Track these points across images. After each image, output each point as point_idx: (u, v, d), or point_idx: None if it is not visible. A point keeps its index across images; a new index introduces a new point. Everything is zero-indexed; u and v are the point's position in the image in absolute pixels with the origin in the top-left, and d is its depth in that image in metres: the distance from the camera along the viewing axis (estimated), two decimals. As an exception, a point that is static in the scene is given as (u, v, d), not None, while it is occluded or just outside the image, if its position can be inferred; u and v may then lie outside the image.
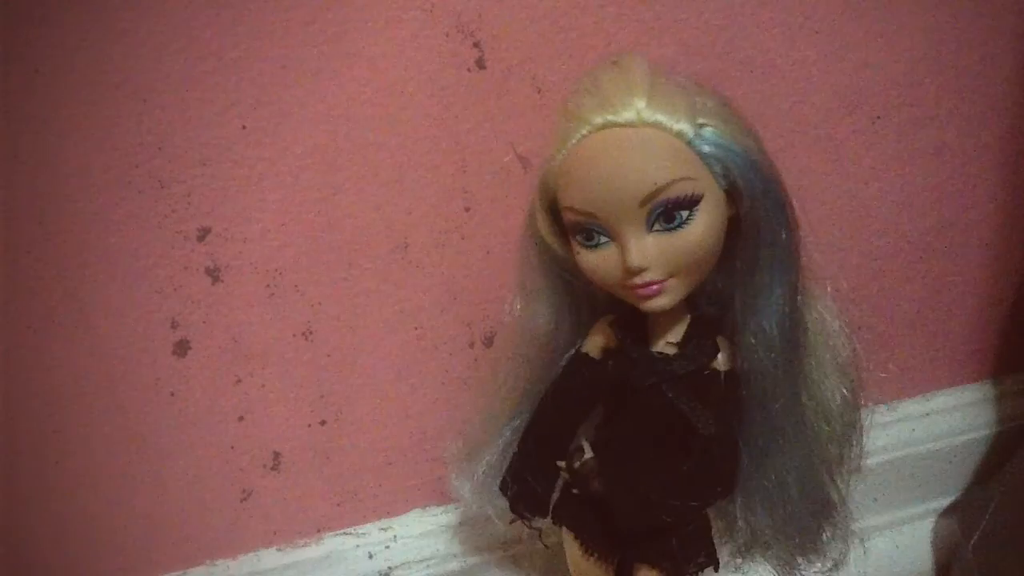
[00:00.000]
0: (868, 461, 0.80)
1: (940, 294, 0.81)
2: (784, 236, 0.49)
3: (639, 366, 0.53)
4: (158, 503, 0.71)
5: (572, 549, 0.60)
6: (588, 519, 0.59)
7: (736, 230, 0.50)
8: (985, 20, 0.70)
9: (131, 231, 0.62)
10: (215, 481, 0.71)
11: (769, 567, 0.60)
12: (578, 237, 0.49)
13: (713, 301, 0.54)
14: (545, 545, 0.66)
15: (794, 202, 0.50)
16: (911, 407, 0.85)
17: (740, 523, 0.59)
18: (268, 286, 0.66)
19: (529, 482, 0.58)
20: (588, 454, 0.55)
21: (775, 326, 0.50)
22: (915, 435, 0.84)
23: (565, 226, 0.50)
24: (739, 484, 0.55)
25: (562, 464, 0.56)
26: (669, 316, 0.52)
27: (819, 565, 0.59)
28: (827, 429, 0.56)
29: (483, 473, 0.62)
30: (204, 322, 0.66)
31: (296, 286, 0.66)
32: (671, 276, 0.48)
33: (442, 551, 0.76)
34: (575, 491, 0.58)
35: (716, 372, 0.53)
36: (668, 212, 0.46)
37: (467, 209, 0.67)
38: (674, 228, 0.47)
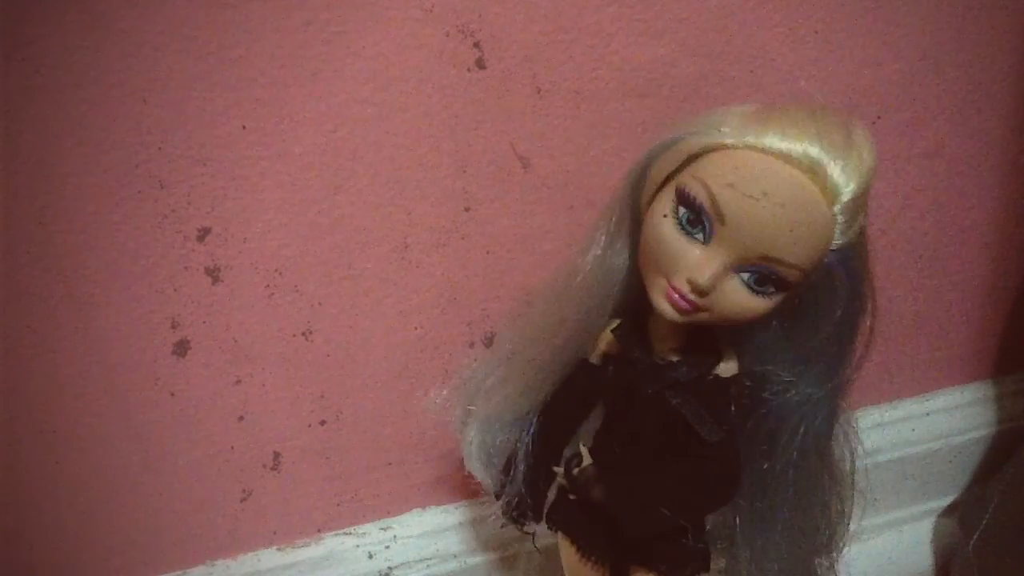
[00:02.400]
0: (868, 461, 0.81)
1: (940, 294, 0.81)
2: (857, 345, 0.49)
3: (642, 373, 0.52)
4: (158, 503, 0.71)
5: (568, 553, 0.60)
6: (584, 524, 0.58)
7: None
8: (985, 20, 0.70)
9: (131, 231, 0.62)
10: (215, 481, 0.71)
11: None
12: (681, 209, 0.45)
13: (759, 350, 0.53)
14: (538, 549, 0.66)
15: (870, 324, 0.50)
16: (911, 407, 0.85)
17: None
18: (268, 286, 0.66)
19: (523, 487, 0.58)
20: (587, 460, 0.55)
21: (823, 421, 0.51)
22: (915, 435, 0.84)
23: (681, 185, 0.45)
24: (740, 491, 0.55)
25: (559, 470, 0.56)
26: (672, 323, 0.50)
27: None
28: (825, 515, 0.56)
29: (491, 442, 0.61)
30: (204, 322, 0.66)
31: (296, 286, 0.66)
32: (707, 311, 0.46)
33: (442, 551, 0.76)
34: (572, 497, 0.57)
35: (720, 379, 0.52)
36: (763, 279, 0.44)
37: (467, 209, 0.67)
38: (751, 288, 0.45)
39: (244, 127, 0.61)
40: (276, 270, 0.66)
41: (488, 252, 0.69)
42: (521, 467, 0.58)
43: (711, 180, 0.44)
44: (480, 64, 0.63)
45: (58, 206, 0.60)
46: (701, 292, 0.45)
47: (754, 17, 0.66)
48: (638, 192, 0.49)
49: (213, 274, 0.65)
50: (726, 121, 0.44)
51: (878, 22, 0.68)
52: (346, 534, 0.76)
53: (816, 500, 0.55)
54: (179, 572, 0.74)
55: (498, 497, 0.60)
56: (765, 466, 0.52)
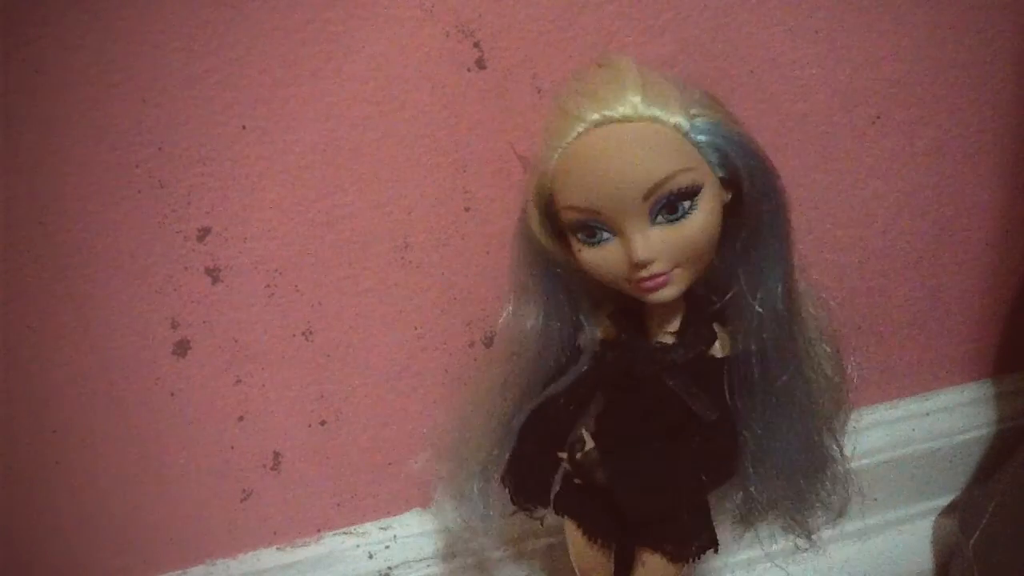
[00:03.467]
0: (868, 460, 0.81)
1: (940, 293, 0.81)
2: (782, 212, 0.50)
3: (639, 357, 0.54)
4: (158, 503, 0.71)
5: (575, 537, 0.61)
6: (590, 508, 0.59)
7: (732, 213, 0.50)
8: (985, 19, 0.70)
9: (131, 231, 0.62)
10: (215, 481, 0.71)
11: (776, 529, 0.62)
12: (579, 235, 0.49)
13: (710, 287, 0.55)
14: (540, 523, 0.66)
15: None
16: (911, 406, 0.85)
17: (739, 495, 0.60)
18: (268, 286, 0.66)
19: (529, 474, 0.59)
20: (589, 444, 0.55)
21: (780, 300, 0.51)
22: (915, 434, 0.84)
23: (563, 225, 0.50)
24: (741, 464, 0.56)
25: (563, 455, 0.57)
26: (666, 306, 0.53)
27: (825, 517, 0.61)
28: (824, 389, 0.57)
29: (475, 484, 0.62)
30: (204, 322, 0.66)
31: (296, 286, 0.66)
32: (676, 266, 0.49)
33: (441, 551, 0.76)
34: (577, 481, 0.58)
35: (714, 359, 0.54)
36: (671, 204, 0.47)
37: (467, 209, 0.67)
38: (677, 219, 0.47)
39: (244, 127, 0.61)
40: (276, 270, 0.66)
41: (488, 252, 0.69)
42: (526, 454, 0.59)
43: (567, 199, 0.48)
44: (480, 64, 0.63)
45: (58, 206, 0.60)
46: (648, 264, 0.48)
47: (754, 16, 0.66)
48: (536, 254, 0.53)
49: (213, 274, 0.65)
50: (538, 156, 0.49)
51: (878, 21, 0.68)
52: (346, 534, 0.76)
53: (803, 380, 0.55)
54: (179, 571, 0.74)
55: (506, 486, 0.61)
56: (752, 375, 0.53)
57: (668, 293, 0.49)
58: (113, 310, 0.64)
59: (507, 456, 0.60)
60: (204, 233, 0.64)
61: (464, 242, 0.68)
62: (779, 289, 0.51)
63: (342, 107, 0.62)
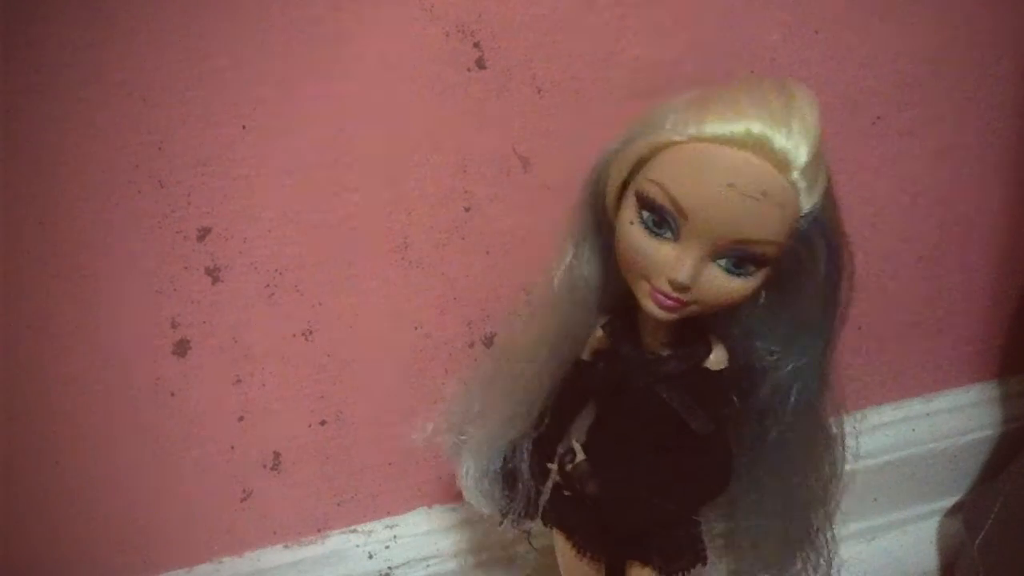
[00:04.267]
0: (873, 461, 0.81)
1: (944, 294, 0.81)
2: (843, 292, 0.49)
3: (633, 367, 0.52)
4: (158, 503, 0.71)
5: (564, 550, 0.60)
6: (580, 520, 0.58)
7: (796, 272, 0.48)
8: (988, 19, 0.70)
9: (131, 231, 0.62)
10: (215, 481, 0.71)
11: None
12: (644, 213, 0.45)
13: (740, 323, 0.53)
14: (534, 547, 0.66)
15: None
16: (915, 407, 0.85)
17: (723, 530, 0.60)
18: (268, 286, 0.66)
19: (518, 485, 0.58)
20: (580, 456, 0.55)
21: (814, 376, 0.51)
22: (919, 435, 0.84)
23: (640, 191, 0.45)
24: (732, 483, 0.55)
25: (553, 466, 0.56)
26: None
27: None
28: (818, 474, 0.56)
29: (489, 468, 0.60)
30: (204, 322, 0.66)
31: (296, 286, 0.67)
32: (695, 304, 0.47)
33: (442, 551, 0.76)
34: (567, 493, 0.57)
35: (709, 371, 0.52)
36: (741, 261, 0.45)
37: (467, 209, 0.67)
38: (733, 273, 0.45)
39: (244, 127, 0.61)
40: (276, 270, 0.66)
41: (488, 252, 0.68)
42: (525, 481, 0.58)
43: (666, 180, 0.44)
44: (480, 64, 0.63)
45: (58, 206, 0.60)
46: (683, 289, 0.45)
47: (756, 17, 0.66)
48: (598, 199, 0.50)
49: (213, 274, 0.65)
50: (667, 116, 0.44)
51: (881, 22, 0.68)
52: (346, 533, 0.76)
53: (810, 460, 0.55)
54: (185, 570, 0.74)
55: (504, 516, 0.60)
56: (763, 436, 0.53)
57: (669, 316, 0.47)
58: (113, 310, 0.64)
59: (503, 487, 0.59)
60: (204, 233, 0.64)
61: (464, 242, 0.68)
62: (816, 362, 0.50)
63: (342, 107, 0.62)
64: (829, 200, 0.46)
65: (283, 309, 0.67)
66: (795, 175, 0.42)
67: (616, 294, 0.53)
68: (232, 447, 0.71)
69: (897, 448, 0.83)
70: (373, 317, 0.69)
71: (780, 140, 0.42)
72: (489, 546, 0.77)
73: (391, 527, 0.77)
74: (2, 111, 0.57)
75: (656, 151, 0.44)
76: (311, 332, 0.68)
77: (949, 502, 0.88)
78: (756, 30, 0.66)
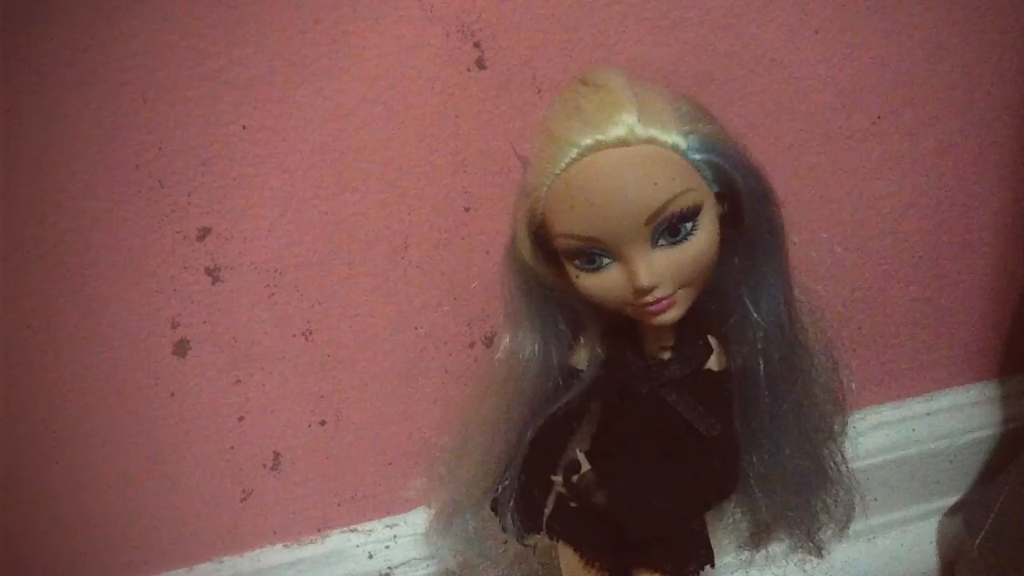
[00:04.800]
0: (872, 461, 0.81)
1: (944, 294, 0.81)
2: (778, 222, 0.50)
3: (636, 373, 0.52)
4: (158, 502, 0.71)
5: (571, 562, 0.59)
6: (586, 530, 0.58)
7: (729, 226, 0.49)
8: (988, 19, 0.70)
9: (131, 231, 0.62)
10: (215, 481, 0.71)
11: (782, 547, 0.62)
12: (577, 262, 0.48)
13: (708, 298, 0.54)
14: (540, 563, 0.66)
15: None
16: (915, 406, 0.85)
17: (745, 517, 0.60)
18: (268, 286, 0.66)
19: (521, 499, 0.57)
20: (585, 467, 0.54)
21: (784, 314, 0.51)
22: (918, 434, 0.84)
23: (558, 251, 0.49)
24: (742, 479, 0.55)
25: (558, 479, 0.56)
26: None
27: (831, 529, 0.60)
28: (825, 400, 0.56)
29: (468, 519, 0.61)
30: (204, 322, 0.66)
31: (296, 286, 0.67)
32: (681, 287, 0.47)
33: (442, 550, 0.76)
34: (573, 505, 0.57)
35: (712, 372, 0.52)
36: (673, 226, 0.45)
37: (467, 209, 0.67)
38: (679, 241, 0.46)
39: (244, 127, 0.61)
40: (276, 270, 0.66)
41: (488, 252, 0.68)
42: (517, 479, 0.58)
43: (563, 226, 0.46)
44: (480, 64, 0.63)
45: (59, 206, 0.60)
46: (655, 287, 0.46)
47: (756, 17, 0.65)
48: (527, 284, 0.52)
49: (213, 274, 0.65)
50: (525, 183, 0.48)
51: (881, 21, 0.68)
52: (352, 531, 0.76)
53: (809, 394, 0.55)
54: (185, 569, 0.74)
55: (496, 512, 0.59)
56: (762, 395, 0.53)
57: (673, 315, 0.48)
58: (113, 310, 0.64)
59: (502, 483, 0.59)
60: (204, 233, 0.64)
61: (464, 242, 0.68)
62: (781, 302, 0.51)
63: (342, 107, 0.62)
64: (720, 137, 0.47)
65: (283, 309, 0.67)
66: (637, 131, 0.44)
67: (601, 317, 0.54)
68: (232, 447, 0.71)
69: (897, 448, 0.83)
70: (373, 317, 0.69)
71: (607, 127, 0.44)
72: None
73: (391, 527, 0.77)
74: (2, 111, 0.57)
75: (538, 212, 0.47)
76: (311, 332, 0.68)
77: (949, 502, 0.88)
78: (756, 30, 0.66)
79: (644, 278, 0.46)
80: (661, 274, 0.46)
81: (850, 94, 0.69)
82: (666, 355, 0.53)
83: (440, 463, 0.62)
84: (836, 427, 0.58)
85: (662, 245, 0.46)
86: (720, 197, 0.48)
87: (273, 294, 0.66)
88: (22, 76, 0.57)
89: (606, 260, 0.47)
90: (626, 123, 0.44)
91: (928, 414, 0.84)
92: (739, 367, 0.53)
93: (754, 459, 0.56)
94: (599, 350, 0.55)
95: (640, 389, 0.52)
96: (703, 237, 0.46)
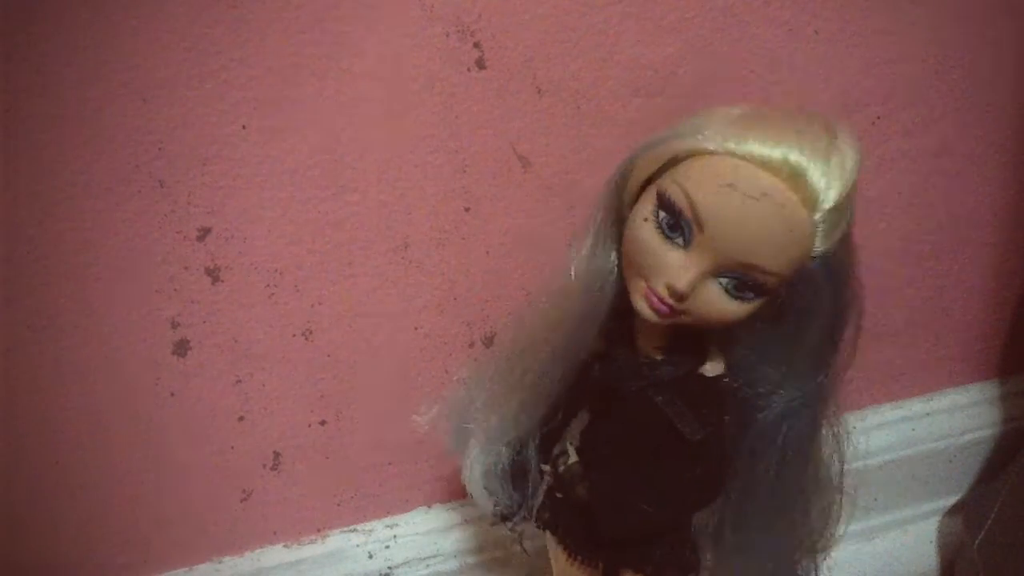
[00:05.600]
0: (872, 460, 0.81)
1: (943, 294, 0.81)
2: (839, 352, 0.49)
3: (626, 371, 0.52)
4: (158, 502, 0.71)
5: (556, 553, 0.60)
6: (572, 523, 0.57)
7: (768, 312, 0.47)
8: (987, 20, 0.69)
9: (131, 231, 0.62)
10: (215, 481, 0.71)
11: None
12: (661, 214, 0.44)
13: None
14: (524, 550, 0.66)
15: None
16: (915, 406, 0.85)
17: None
18: (268, 286, 0.66)
19: (527, 482, 0.57)
20: (573, 458, 0.54)
21: (806, 417, 0.50)
22: (917, 434, 0.84)
23: (662, 190, 0.45)
24: (723, 492, 0.54)
25: (547, 468, 0.55)
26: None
27: None
28: (815, 521, 0.56)
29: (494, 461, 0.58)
30: (204, 322, 0.66)
31: (296, 286, 0.67)
32: (686, 315, 0.46)
33: (442, 550, 0.76)
34: (559, 495, 0.57)
35: (704, 377, 0.51)
36: (742, 285, 0.44)
37: (467, 209, 0.67)
38: (731, 293, 0.44)
39: (244, 127, 0.61)
40: (276, 270, 0.66)
41: (488, 252, 0.68)
42: (533, 479, 0.57)
43: (691, 186, 0.43)
44: (480, 64, 0.63)
45: (59, 206, 0.60)
46: (679, 297, 0.45)
47: (757, 17, 0.65)
48: (622, 193, 0.49)
49: (213, 274, 0.65)
50: (709, 125, 0.44)
51: (881, 22, 0.68)
52: (346, 533, 0.76)
53: (800, 502, 0.54)
54: (186, 569, 0.74)
55: (506, 519, 0.59)
56: (752, 469, 0.52)
57: (657, 320, 0.47)
58: (113, 310, 0.64)
59: (511, 487, 0.58)
60: (204, 233, 0.64)
61: (464, 242, 0.68)
62: (808, 403, 0.49)
63: (342, 107, 0.62)
64: (845, 247, 0.45)
65: (283, 309, 0.67)
66: (819, 215, 0.42)
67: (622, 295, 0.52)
68: (232, 447, 0.71)
69: (897, 448, 0.83)
70: (373, 317, 0.69)
71: (814, 176, 0.41)
72: (489, 546, 0.77)
73: (391, 527, 0.77)
74: (2, 111, 0.57)
75: (689, 156, 0.44)
76: (311, 332, 0.68)
77: (949, 502, 0.88)
78: (756, 30, 0.66)
79: (682, 284, 0.44)
80: (694, 295, 0.45)
81: (850, 94, 0.69)
82: (659, 355, 0.52)
83: (466, 382, 0.60)
84: (819, 545, 0.57)
85: (720, 282, 0.44)
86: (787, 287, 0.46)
87: (273, 294, 0.66)
88: (22, 76, 0.57)
89: (680, 239, 0.44)
90: (825, 197, 0.42)
91: (928, 414, 0.84)
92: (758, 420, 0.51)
93: (729, 522, 0.55)
94: (594, 344, 0.53)
95: (628, 387, 0.51)
96: (746, 310, 0.45)
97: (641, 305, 0.47)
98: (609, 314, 0.52)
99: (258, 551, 0.75)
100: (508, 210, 0.67)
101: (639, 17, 0.64)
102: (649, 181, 0.46)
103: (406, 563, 0.76)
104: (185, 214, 0.63)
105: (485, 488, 0.59)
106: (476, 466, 0.58)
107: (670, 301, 0.45)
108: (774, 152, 0.41)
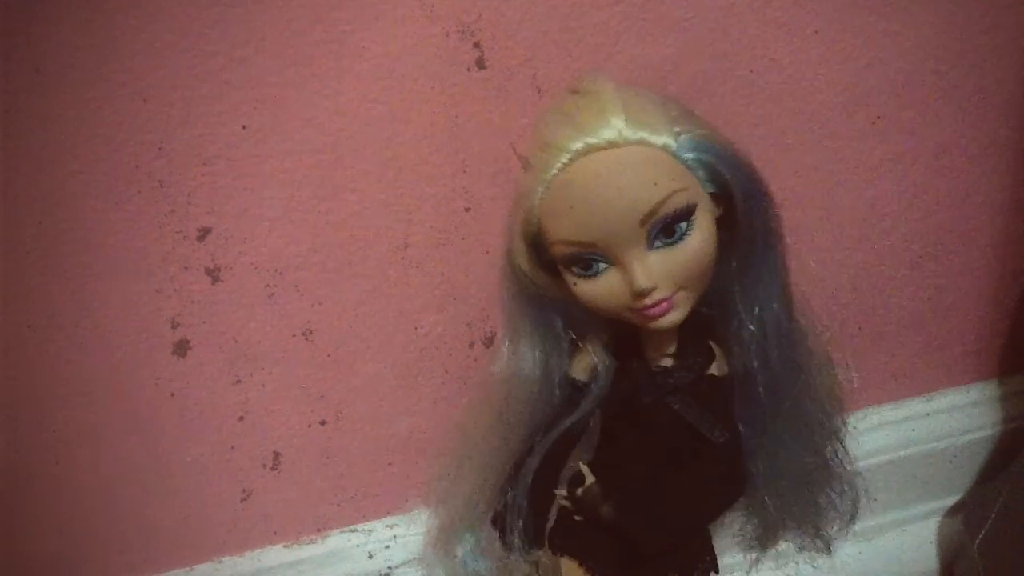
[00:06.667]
0: (872, 461, 0.80)
1: (943, 294, 0.80)
2: (774, 222, 0.49)
3: (640, 382, 0.52)
4: (158, 502, 0.71)
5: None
6: (591, 544, 0.56)
7: (725, 227, 0.49)
8: (989, 20, 0.69)
9: (131, 231, 0.62)
10: (215, 481, 0.71)
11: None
12: (574, 268, 0.47)
13: (706, 303, 0.53)
14: (536, 566, 0.66)
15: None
16: (915, 406, 0.85)
17: (752, 517, 0.59)
18: (268, 286, 0.66)
19: (522, 514, 0.56)
20: (590, 479, 0.53)
21: (782, 314, 0.50)
22: (917, 435, 0.84)
23: (554, 258, 0.48)
24: (750, 485, 0.55)
25: (561, 492, 0.55)
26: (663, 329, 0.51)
27: (838, 523, 0.60)
28: (825, 397, 0.56)
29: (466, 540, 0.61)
30: (204, 322, 0.66)
31: (296, 286, 0.67)
32: (680, 289, 0.47)
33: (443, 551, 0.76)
34: (578, 518, 0.56)
35: (715, 378, 0.52)
36: (668, 227, 0.45)
37: (467, 209, 0.67)
38: (675, 241, 0.46)
39: (244, 127, 0.61)
40: (276, 270, 0.66)
41: (488, 252, 0.68)
42: (518, 495, 0.57)
43: (559, 233, 0.46)
44: (480, 64, 0.63)
45: (59, 206, 0.61)
46: (656, 289, 0.46)
47: (756, 17, 0.65)
48: (528, 296, 0.52)
49: (213, 274, 0.65)
50: (522, 189, 0.48)
51: (879, 21, 0.68)
52: (346, 533, 0.76)
53: (809, 393, 0.55)
54: (186, 569, 0.74)
55: (497, 528, 0.59)
56: (752, 384, 0.52)
57: (674, 318, 0.48)
58: (113, 310, 0.64)
59: (503, 499, 0.58)
60: (204, 233, 0.64)
61: (464, 242, 0.68)
62: (778, 303, 0.50)
63: (342, 107, 0.62)
64: (704, 132, 0.46)
65: (283, 309, 0.67)
66: (626, 132, 0.44)
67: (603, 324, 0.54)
68: (232, 447, 0.71)
69: (897, 448, 0.83)
70: (373, 317, 0.69)
71: (594, 133, 0.44)
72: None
73: (391, 527, 0.77)
74: (2, 111, 0.57)
75: (533, 220, 0.48)
76: (311, 332, 0.68)
77: (949, 502, 0.88)
78: (756, 30, 0.66)
79: (641, 280, 0.45)
80: (658, 275, 0.46)
81: (850, 94, 0.69)
82: (668, 362, 0.52)
83: (439, 479, 0.62)
84: (837, 423, 0.58)
85: (658, 247, 0.46)
86: (715, 198, 0.48)
87: (273, 294, 0.66)
88: (22, 76, 0.57)
89: (603, 265, 0.47)
90: (615, 126, 0.44)
91: (928, 414, 0.84)
92: (739, 370, 0.52)
93: (758, 460, 0.55)
94: (606, 359, 0.54)
95: (645, 398, 0.51)
96: (699, 237, 0.46)
97: (652, 324, 0.48)
98: (611, 331, 0.54)
99: (258, 551, 0.75)
100: (508, 210, 0.67)
101: (639, 17, 0.63)
102: (549, 266, 0.50)
103: (406, 563, 0.76)
104: (185, 214, 0.63)
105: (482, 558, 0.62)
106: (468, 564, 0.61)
107: (658, 298, 0.46)
108: (560, 157, 0.45)
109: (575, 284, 0.48)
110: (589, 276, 0.47)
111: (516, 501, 0.57)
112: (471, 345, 0.72)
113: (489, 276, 0.69)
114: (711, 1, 0.64)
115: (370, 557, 0.76)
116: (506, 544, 0.58)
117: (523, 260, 0.50)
